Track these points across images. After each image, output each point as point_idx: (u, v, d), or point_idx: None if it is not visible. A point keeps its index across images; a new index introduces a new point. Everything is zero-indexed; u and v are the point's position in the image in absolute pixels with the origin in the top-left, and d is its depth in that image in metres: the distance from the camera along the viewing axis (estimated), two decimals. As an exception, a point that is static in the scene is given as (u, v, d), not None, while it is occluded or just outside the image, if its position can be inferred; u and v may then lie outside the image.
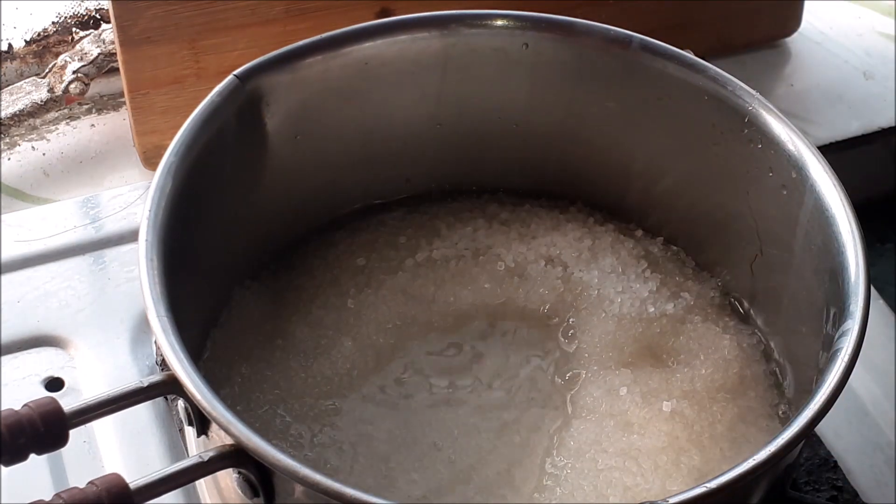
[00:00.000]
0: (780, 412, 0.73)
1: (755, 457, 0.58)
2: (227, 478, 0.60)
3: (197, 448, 0.62)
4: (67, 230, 0.87)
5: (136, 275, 0.84)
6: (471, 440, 0.71)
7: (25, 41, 0.98)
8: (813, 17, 1.09)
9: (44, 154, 0.94)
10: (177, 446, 0.76)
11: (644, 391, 0.73)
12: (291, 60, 0.74)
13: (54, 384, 0.79)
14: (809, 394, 0.62)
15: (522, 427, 0.72)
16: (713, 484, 0.57)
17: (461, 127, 0.82)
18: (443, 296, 0.78)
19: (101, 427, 0.76)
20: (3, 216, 0.87)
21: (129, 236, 0.86)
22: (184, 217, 0.66)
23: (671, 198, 0.81)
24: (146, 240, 0.63)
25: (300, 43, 0.75)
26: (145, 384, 0.59)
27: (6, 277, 0.83)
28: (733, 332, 0.76)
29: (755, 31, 1.04)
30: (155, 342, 0.80)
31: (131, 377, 0.78)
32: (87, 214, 0.88)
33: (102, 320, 0.82)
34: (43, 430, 0.55)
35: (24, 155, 0.94)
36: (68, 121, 0.97)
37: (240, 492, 0.58)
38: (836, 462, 0.77)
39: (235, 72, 0.72)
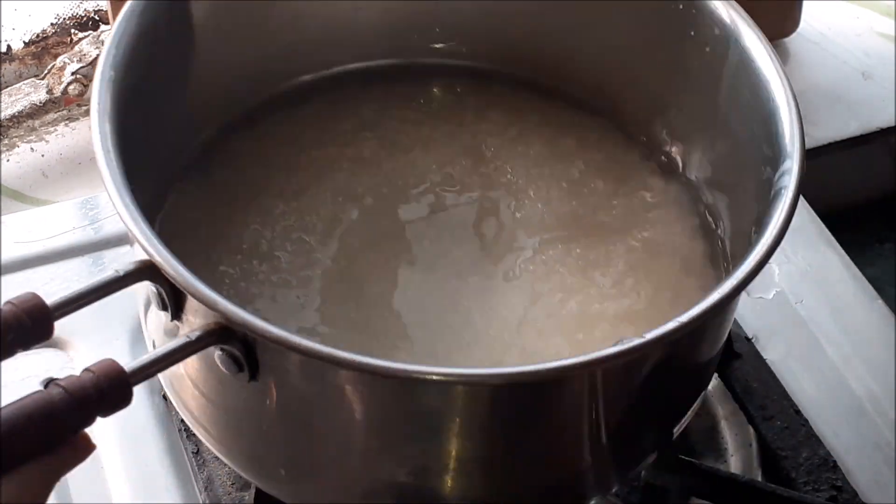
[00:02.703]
0: (722, 265, 0.74)
1: (720, 289, 0.59)
2: (203, 360, 0.61)
3: (169, 334, 0.63)
4: (66, 231, 0.87)
5: (135, 275, 0.84)
6: (430, 298, 0.72)
7: (24, 42, 0.98)
8: (811, 17, 1.09)
9: (43, 155, 0.94)
10: (176, 447, 0.76)
11: (581, 261, 0.74)
12: None
13: (54, 385, 0.79)
14: (750, 240, 0.63)
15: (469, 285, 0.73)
16: (685, 318, 0.58)
17: (381, 5, 0.81)
18: (373, 181, 0.77)
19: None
20: (2, 217, 0.87)
21: (128, 238, 0.86)
22: (126, 111, 0.66)
23: (593, 65, 0.81)
24: (99, 131, 0.63)
25: None
26: (121, 273, 0.59)
27: (6, 278, 0.83)
28: (668, 198, 0.77)
29: (754, 32, 1.04)
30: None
31: (131, 378, 0.79)
32: (86, 216, 0.88)
33: (101, 321, 0.82)
34: (29, 324, 0.56)
35: (23, 156, 0.94)
36: (67, 122, 0.97)
37: (223, 369, 0.59)
38: (835, 462, 0.77)
39: None
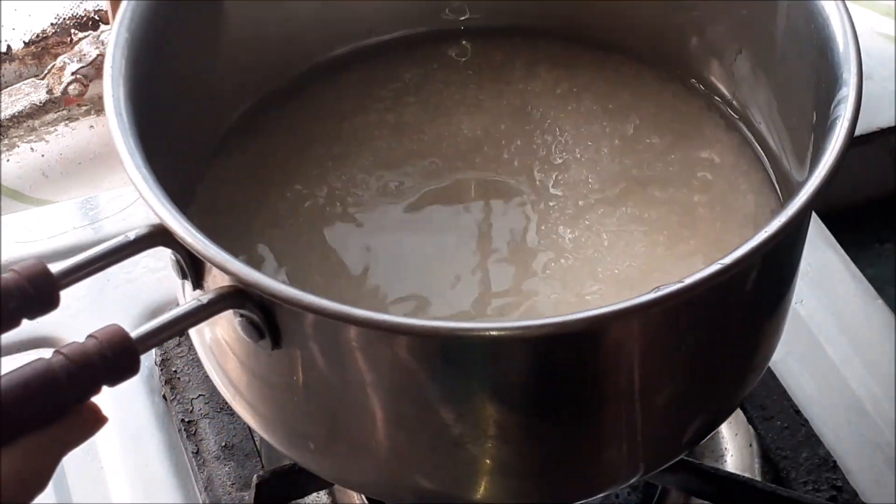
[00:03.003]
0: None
1: (772, 225, 0.55)
2: (230, 329, 0.58)
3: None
4: (66, 231, 0.87)
5: (135, 276, 0.84)
6: (472, 258, 0.69)
7: (24, 42, 0.98)
8: (812, 17, 1.09)
9: (43, 155, 0.94)
10: (176, 446, 0.76)
11: (636, 222, 0.71)
12: None
13: (54, 385, 0.79)
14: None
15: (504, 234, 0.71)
16: (728, 260, 0.53)
17: None
18: (416, 146, 0.75)
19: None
20: (2, 217, 0.87)
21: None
22: (145, 77, 0.62)
23: (647, 14, 0.78)
24: (112, 95, 0.60)
25: None
26: (132, 237, 0.56)
27: (5, 279, 0.83)
28: (730, 152, 0.74)
29: (754, 31, 1.04)
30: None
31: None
32: (87, 216, 0.88)
33: (102, 322, 0.81)
34: (33, 292, 0.53)
35: (23, 156, 0.94)
36: (67, 122, 0.97)
37: (244, 336, 0.56)
38: (835, 462, 0.77)
39: None
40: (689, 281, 0.53)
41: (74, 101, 0.97)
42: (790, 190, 0.70)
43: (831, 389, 0.82)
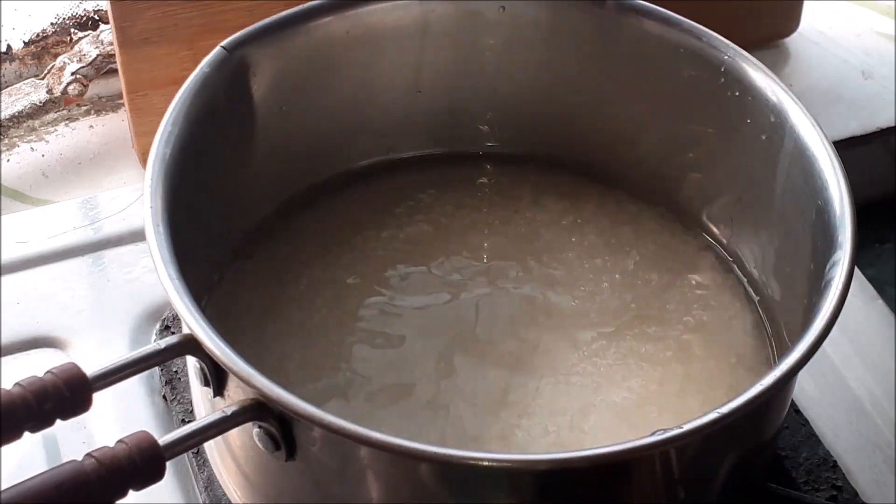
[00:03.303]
0: (773, 362, 0.74)
1: (762, 382, 0.59)
2: (245, 437, 0.61)
3: (212, 409, 0.63)
4: (66, 231, 0.87)
5: (135, 276, 0.84)
6: (478, 383, 0.72)
7: (24, 42, 0.98)
8: (811, 17, 1.09)
9: (43, 155, 0.94)
10: (176, 447, 0.76)
11: (631, 356, 0.74)
12: (275, 31, 0.75)
13: (54, 385, 0.79)
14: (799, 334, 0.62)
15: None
16: (725, 409, 0.57)
17: (441, 92, 0.82)
18: (425, 265, 0.78)
19: (101, 427, 0.76)
20: (2, 217, 0.87)
21: (129, 237, 0.87)
22: (181, 189, 0.67)
23: (651, 155, 0.82)
24: (150, 206, 0.64)
25: (283, 13, 0.76)
26: (163, 346, 0.60)
27: (6, 279, 0.83)
28: (723, 292, 0.77)
29: (754, 32, 1.04)
30: (156, 333, 0.80)
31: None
32: (87, 216, 0.88)
33: (102, 322, 0.82)
34: (68, 394, 0.56)
35: (23, 156, 0.94)
36: (67, 122, 0.97)
37: (261, 446, 0.59)
38: (835, 462, 0.77)
39: (222, 43, 0.73)
40: (687, 427, 0.57)
41: (74, 101, 0.97)
42: (778, 332, 0.75)
43: (831, 389, 0.82)
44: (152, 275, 0.84)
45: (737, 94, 0.75)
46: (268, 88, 0.76)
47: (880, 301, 0.88)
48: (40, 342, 0.81)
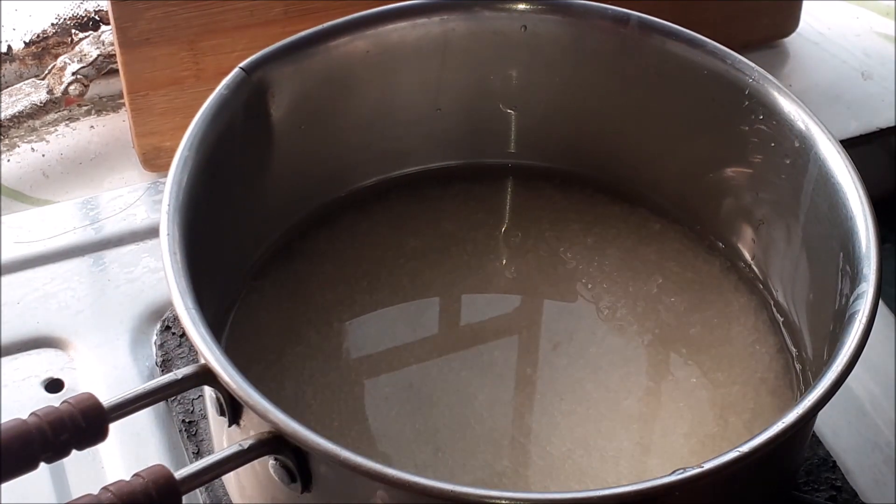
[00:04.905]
0: (796, 386, 0.74)
1: (784, 419, 0.58)
2: (260, 468, 0.61)
3: (227, 439, 0.63)
4: (67, 231, 0.87)
5: (135, 276, 0.84)
6: (499, 411, 0.72)
7: (25, 43, 0.98)
8: (811, 17, 1.09)
9: (43, 155, 0.94)
10: (177, 447, 0.76)
11: (653, 381, 0.74)
12: (294, 51, 0.75)
13: (54, 385, 0.79)
14: (824, 362, 0.62)
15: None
16: (745, 448, 0.57)
17: (461, 111, 0.82)
18: (448, 285, 0.78)
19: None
20: (2, 217, 0.87)
21: (129, 237, 0.87)
22: (198, 211, 0.67)
23: (676, 177, 0.81)
24: (167, 234, 0.64)
25: (302, 33, 0.75)
26: (179, 376, 0.60)
27: (6, 279, 0.83)
28: (747, 315, 0.77)
29: (753, 32, 1.04)
30: (155, 343, 0.80)
31: (131, 378, 0.79)
32: (87, 216, 0.88)
33: (102, 322, 0.82)
34: (84, 425, 0.56)
35: (24, 156, 0.94)
36: (67, 122, 0.97)
37: (276, 477, 0.59)
38: (835, 462, 0.77)
39: (241, 64, 0.73)
40: (707, 466, 0.57)
41: (75, 101, 0.97)
42: (802, 355, 0.74)
43: (831, 389, 0.82)
44: (153, 275, 0.84)
45: (761, 117, 0.74)
46: (287, 109, 0.75)
47: (880, 301, 0.88)
48: (40, 342, 0.81)
